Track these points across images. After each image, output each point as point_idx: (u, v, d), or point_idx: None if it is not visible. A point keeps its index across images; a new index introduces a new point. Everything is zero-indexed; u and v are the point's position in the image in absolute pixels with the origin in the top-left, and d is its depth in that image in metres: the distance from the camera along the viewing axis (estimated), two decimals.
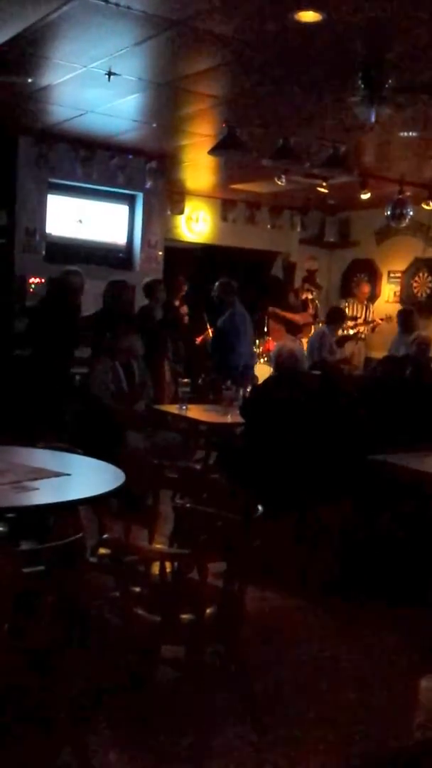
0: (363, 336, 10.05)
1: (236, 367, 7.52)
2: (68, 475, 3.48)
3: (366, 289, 10.36)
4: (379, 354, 9.34)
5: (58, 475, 3.41)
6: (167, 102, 6.24)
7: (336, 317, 8.98)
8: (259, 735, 3.04)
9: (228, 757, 2.88)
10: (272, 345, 8.48)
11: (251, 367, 7.99)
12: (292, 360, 4.99)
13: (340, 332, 9.79)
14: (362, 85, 4.86)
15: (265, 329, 9.78)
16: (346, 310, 10.09)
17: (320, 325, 9.49)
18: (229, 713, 3.14)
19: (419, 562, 4.41)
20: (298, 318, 9.53)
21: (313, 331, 9.53)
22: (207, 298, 8.58)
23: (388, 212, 8.15)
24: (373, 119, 4.96)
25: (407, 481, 4.46)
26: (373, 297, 11.06)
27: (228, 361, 7.60)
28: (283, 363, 5.02)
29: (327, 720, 3.19)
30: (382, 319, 9.99)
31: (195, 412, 6.10)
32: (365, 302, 10.24)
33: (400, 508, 4.60)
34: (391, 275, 11.01)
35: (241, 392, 6.27)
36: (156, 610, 3.22)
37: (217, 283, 7.91)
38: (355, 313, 10.12)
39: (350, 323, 9.97)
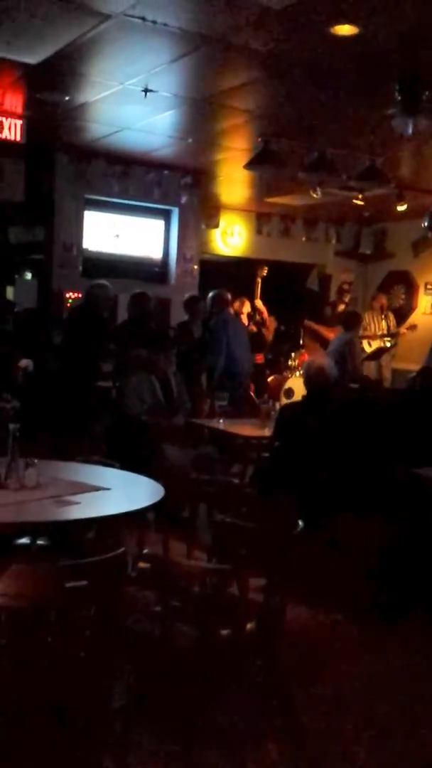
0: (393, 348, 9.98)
1: (227, 374, 7.36)
2: (108, 489, 3.50)
3: (383, 300, 10.25)
4: (404, 365, 9.26)
5: (97, 489, 3.43)
6: (202, 117, 6.28)
7: (355, 322, 8.86)
8: (302, 752, 3.00)
9: None
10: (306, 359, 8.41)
11: (241, 374, 7.70)
12: (321, 377, 4.96)
13: (376, 344, 9.74)
14: (399, 97, 4.84)
15: (301, 342, 9.75)
16: (375, 323, 9.98)
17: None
18: (269, 729, 3.11)
19: None
20: (330, 334, 9.47)
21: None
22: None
23: (425, 223, 8.10)
24: (410, 131, 4.93)
25: None
26: (409, 309, 10.97)
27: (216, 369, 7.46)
28: (311, 379, 5.00)
29: (366, 737, 3.15)
30: (408, 329, 9.91)
31: (232, 425, 6.09)
32: (386, 313, 10.13)
33: None
34: (428, 287, 10.92)
35: (277, 405, 6.25)
36: (196, 625, 3.21)
37: (210, 294, 7.79)
38: (382, 326, 10.02)
39: (386, 336, 9.88)
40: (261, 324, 9.15)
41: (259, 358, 8.96)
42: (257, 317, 9.17)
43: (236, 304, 8.83)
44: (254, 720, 3.14)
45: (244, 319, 8.92)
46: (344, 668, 3.74)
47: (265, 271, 9.37)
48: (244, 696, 3.19)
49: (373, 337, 9.79)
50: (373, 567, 4.39)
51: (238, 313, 8.62)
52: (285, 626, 3.59)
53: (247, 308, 9.05)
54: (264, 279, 9.47)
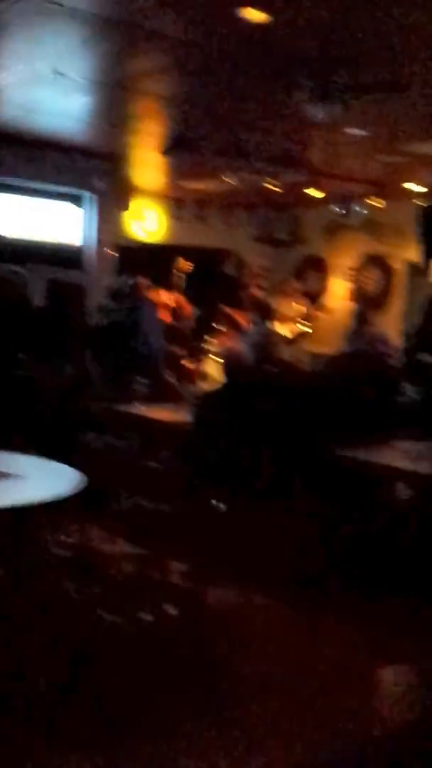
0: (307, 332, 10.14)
1: (143, 360, 7.32)
2: (22, 477, 3.44)
3: (296, 285, 10.41)
4: (320, 349, 9.43)
5: (12, 476, 3.38)
6: (115, 102, 6.21)
7: (267, 312, 8.99)
8: (228, 733, 3.03)
9: (195, 754, 2.87)
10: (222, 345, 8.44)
11: (156, 360, 7.65)
12: (238, 362, 5.02)
13: (293, 329, 9.87)
14: (310, 84, 4.89)
15: (217, 328, 9.78)
16: (290, 308, 10.11)
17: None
18: (196, 711, 3.14)
19: (381, 553, 4.47)
20: (246, 320, 9.55)
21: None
22: None
23: (337, 209, 8.25)
24: (321, 117, 5.00)
25: (365, 473, 4.52)
26: (322, 293, 11.16)
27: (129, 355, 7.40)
28: (228, 365, 5.06)
29: (294, 714, 3.20)
30: (323, 313, 10.08)
31: (151, 411, 6.09)
32: (299, 299, 10.28)
33: (361, 500, 4.66)
34: (342, 272, 11.13)
35: (195, 390, 6.27)
36: (117, 610, 3.22)
37: (124, 281, 7.72)
38: (294, 312, 10.16)
39: (300, 320, 10.02)
40: (182, 318, 9.14)
41: (183, 350, 8.95)
42: (178, 310, 9.15)
43: (157, 294, 8.80)
44: (179, 703, 3.16)
45: (166, 309, 8.88)
46: (269, 648, 3.79)
47: (188, 266, 9.34)
48: (168, 679, 3.22)
49: (288, 321, 9.91)
50: (296, 547, 4.48)
51: (153, 302, 8.56)
52: (208, 609, 3.64)
53: (168, 299, 9.01)
54: (182, 272, 9.44)
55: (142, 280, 8.09)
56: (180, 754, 2.87)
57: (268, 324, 8.77)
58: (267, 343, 8.19)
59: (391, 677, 3.79)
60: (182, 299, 9.12)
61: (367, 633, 4.00)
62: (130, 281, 7.50)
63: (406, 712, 3.35)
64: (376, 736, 3.12)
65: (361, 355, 6.23)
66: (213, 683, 3.36)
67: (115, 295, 7.69)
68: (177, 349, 8.79)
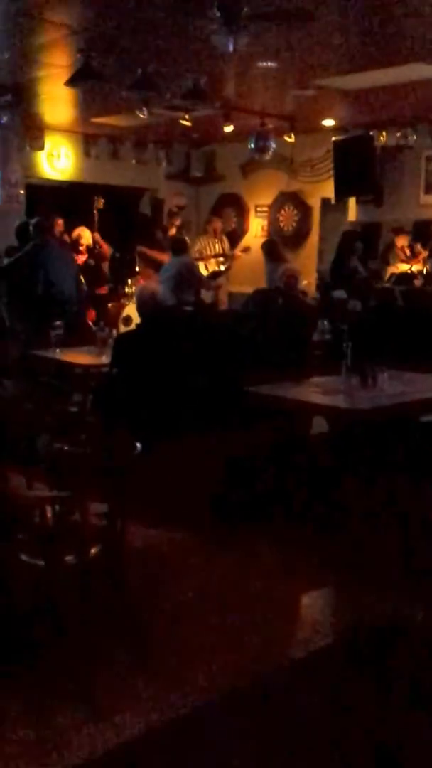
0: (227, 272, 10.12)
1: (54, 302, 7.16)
2: None
3: (217, 224, 10.34)
4: (239, 288, 9.46)
5: None
6: (17, 31, 5.92)
7: (182, 247, 8.88)
8: (148, 664, 3.10)
9: (118, 690, 2.92)
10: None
11: (68, 303, 7.46)
12: (153, 302, 4.98)
13: (211, 267, 9.83)
14: (218, 14, 4.77)
15: (136, 269, 9.67)
16: (210, 247, 10.05)
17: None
18: (118, 647, 3.19)
19: (294, 483, 4.59)
20: (163, 258, 9.44)
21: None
22: None
23: (252, 145, 8.18)
24: (231, 48, 4.90)
25: (281, 409, 4.60)
26: (240, 232, 11.13)
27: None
28: (144, 305, 5.01)
29: (213, 645, 3.28)
30: (242, 251, 10.07)
31: (69, 355, 6.01)
32: (220, 236, 10.24)
33: (274, 435, 4.75)
34: (258, 209, 11.09)
35: (114, 332, 6.21)
36: (39, 555, 3.21)
37: (31, 221, 7.47)
38: (217, 249, 10.11)
39: (220, 259, 9.98)
40: (99, 257, 8.94)
41: (103, 290, 8.78)
42: (96, 249, 8.94)
43: (75, 234, 8.57)
44: (103, 639, 3.21)
45: (82, 250, 8.66)
46: (188, 581, 3.87)
47: (102, 203, 9.10)
48: (91, 617, 3.26)
49: (208, 259, 9.87)
50: (210, 483, 4.56)
51: (64, 241, 8.34)
52: (130, 547, 3.68)
53: (86, 239, 8.77)
54: (100, 210, 9.22)
55: (53, 220, 7.85)
56: (106, 691, 2.92)
57: (188, 262, 8.69)
58: (183, 281, 8.17)
59: (304, 601, 3.93)
60: (99, 238, 8.93)
61: (283, 561, 4.13)
62: (33, 220, 7.26)
63: (319, 632, 3.49)
64: (294, 658, 3.25)
65: (277, 292, 6.28)
66: (134, 616, 3.43)
67: (18, 234, 7.45)
68: (97, 291, 8.65)
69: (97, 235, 8.87)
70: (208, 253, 9.97)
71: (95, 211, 8.91)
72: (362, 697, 2.92)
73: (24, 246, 7.29)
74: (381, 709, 2.88)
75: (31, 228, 7.24)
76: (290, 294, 6.42)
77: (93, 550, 3.37)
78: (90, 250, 8.72)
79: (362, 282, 8.01)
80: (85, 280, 7.96)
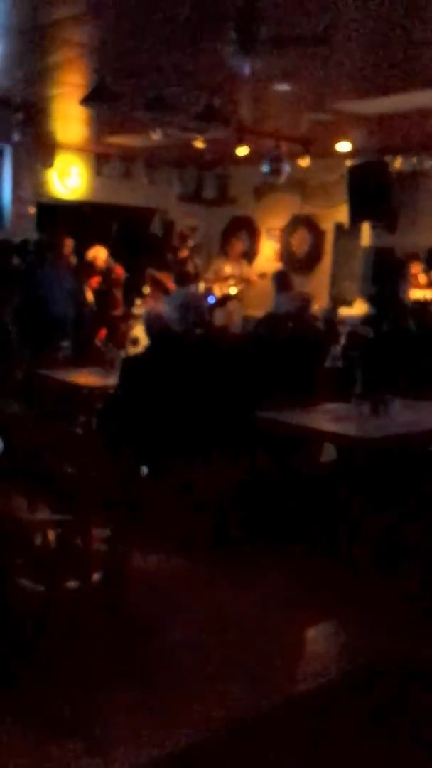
0: (239, 295, 10.07)
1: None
2: None
3: (238, 246, 10.33)
4: (255, 312, 9.39)
5: None
6: (33, 49, 5.92)
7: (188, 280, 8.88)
8: (149, 696, 3.01)
9: (119, 721, 2.84)
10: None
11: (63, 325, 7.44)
12: (160, 324, 4.93)
13: (222, 291, 9.79)
14: (235, 36, 4.76)
15: (145, 291, 9.64)
16: (226, 269, 10.04)
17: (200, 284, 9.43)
18: (118, 677, 3.10)
19: (302, 512, 4.51)
20: (170, 282, 9.42)
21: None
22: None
23: (265, 168, 8.16)
24: (246, 71, 4.88)
25: (290, 436, 4.52)
26: (252, 255, 11.10)
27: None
28: (150, 327, 4.96)
29: (217, 675, 3.20)
30: (258, 276, 10.02)
31: (75, 375, 5.95)
32: (239, 260, 10.22)
33: (282, 461, 4.67)
34: (270, 233, 11.07)
35: (121, 353, 6.15)
36: (40, 579, 3.14)
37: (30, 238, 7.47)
38: (233, 272, 10.08)
39: (231, 282, 9.95)
40: (113, 282, 8.89)
41: (118, 312, 8.73)
42: (112, 275, 8.90)
43: (90, 254, 8.54)
44: (105, 669, 3.12)
45: (93, 271, 8.62)
46: (193, 610, 3.79)
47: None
48: (93, 646, 3.19)
49: (217, 283, 9.83)
50: (217, 508, 4.47)
51: (66, 262, 8.28)
52: (131, 574, 3.60)
53: (102, 259, 8.70)
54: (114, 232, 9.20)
55: (62, 240, 7.83)
56: (103, 716, 2.84)
57: (196, 286, 8.66)
58: (193, 305, 8.11)
59: (309, 634, 3.83)
60: (111, 261, 8.90)
61: (288, 591, 4.04)
62: (35, 238, 7.28)
63: (323, 664, 3.39)
64: (297, 690, 3.15)
65: (287, 317, 6.21)
66: (134, 645, 3.34)
67: (19, 251, 7.46)
68: (109, 312, 8.60)
69: (110, 259, 8.84)
70: (217, 276, 9.93)
71: (112, 236, 8.87)
72: (363, 735, 2.83)
73: (22, 263, 7.31)
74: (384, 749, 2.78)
75: (31, 246, 7.27)
76: (301, 319, 6.35)
77: (95, 576, 3.30)
78: (104, 274, 8.65)
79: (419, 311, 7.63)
80: (98, 302, 7.93)
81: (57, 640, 3.14)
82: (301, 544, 4.41)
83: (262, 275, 9.95)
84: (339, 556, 4.28)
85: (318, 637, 3.82)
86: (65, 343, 6.27)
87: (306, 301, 6.74)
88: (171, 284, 9.16)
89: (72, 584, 3.28)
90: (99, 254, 8.44)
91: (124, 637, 3.38)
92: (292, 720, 3.00)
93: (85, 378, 5.92)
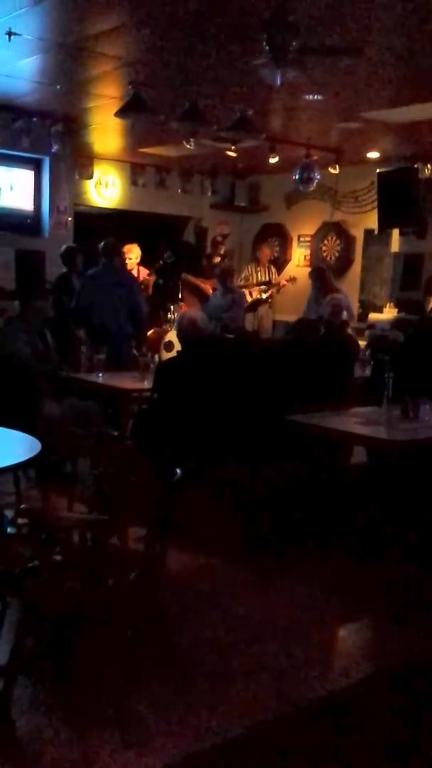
0: (270, 300, 10.16)
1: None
2: None
3: (267, 252, 10.42)
4: (284, 317, 9.47)
5: None
6: (70, 63, 6.09)
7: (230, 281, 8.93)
8: (184, 693, 3.09)
9: (152, 716, 2.92)
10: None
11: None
12: (193, 329, 5.01)
13: (254, 295, 9.88)
14: (267, 47, 4.84)
15: (179, 296, 9.77)
16: (256, 275, 10.13)
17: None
18: (155, 674, 3.19)
19: (333, 515, 4.56)
20: (207, 286, 9.53)
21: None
22: None
23: (296, 176, 8.24)
24: (278, 82, 4.97)
25: (322, 439, 4.58)
26: (283, 261, 11.19)
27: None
28: (183, 332, 5.05)
29: (249, 673, 3.27)
30: (288, 281, 10.10)
31: (111, 379, 6.07)
32: (267, 265, 10.30)
33: (316, 466, 4.73)
34: (301, 239, 11.15)
35: (156, 358, 6.26)
36: (77, 577, 3.23)
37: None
38: (262, 277, 10.18)
39: (263, 287, 10.04)
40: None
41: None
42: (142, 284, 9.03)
43: (125, 248, 8.68)
44: (140, 666, 3.19)
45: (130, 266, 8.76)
46: (226, 611, 3.85)
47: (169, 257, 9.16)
48: (129, 644, 3.26)
49: (252, 287, 9.93)
50: (251, 511, 4.54)
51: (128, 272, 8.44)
52: (168, 573, 3.67)
53: (135, 256, 8.82)
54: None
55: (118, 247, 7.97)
56: (140, 717, 2.91)
57: (229, 291, 8.75)
58: (227, 310, 8.23)
59: (341, 633, 3.89)
60: (145, 273, 9.05)
61: (320, 592, 4.09)
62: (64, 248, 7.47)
63: (355, 663, 3.44)
64: (328, 690, 3.21)
65: (320, 322, 6.28)
66: (170, 642, 3.42)
67: (64, 259, 7.64)
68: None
69: (144, 270, 8.97)
70: (253, 281, 10.03)
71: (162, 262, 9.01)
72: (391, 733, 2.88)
73: (70, 269, 7.46)
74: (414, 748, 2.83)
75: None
76: (333, 324, 6.42)
77: (131, 575, 3.38)
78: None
79: None
80: None
81: (94, 637, 3.22)
82: (332, 545, 4.46)
83: (292, 279, 10.03)
84: (369, 556, 4.32)
85: (350, 636, 3.88)
86: (101, 348, 6.39)
87: (340, 305, 6.80)
88: (206, 287, 9.29)
89: (108, 583, 3.35)
90: (134, 250, 8.62)
91: (159, 634, 3.45)
92: (325, 715, 3.06)
93: (121, 382, 6.03)
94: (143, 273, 9.00)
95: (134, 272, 8.64)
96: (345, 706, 3.14)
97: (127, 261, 8.65)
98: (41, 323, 6.36)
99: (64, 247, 7.86)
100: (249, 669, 3.31)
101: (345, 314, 8.08)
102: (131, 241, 8.69)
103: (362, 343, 7.11)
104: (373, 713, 3.08)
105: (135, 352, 6.92)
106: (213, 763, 2.72)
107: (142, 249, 8.69)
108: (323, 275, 8.66)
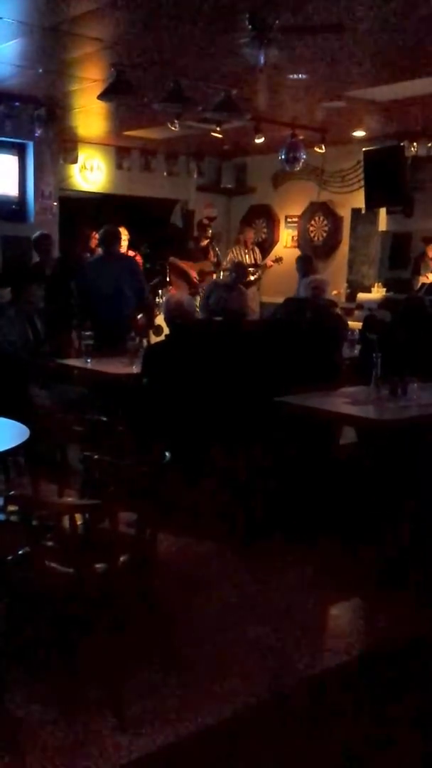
0: (257, 281, 10.14)
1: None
2: None
3: (251, 234, 10.39)
4: (271, 298, 9.46)
5: None
6: (52, 46, 6.02)
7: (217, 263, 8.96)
8: (177, 676, 3.12)
9: (147, 699, 2.95)
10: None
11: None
12: (180, 311, 5.00)
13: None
14: (249, 26, 4.81)
15: (167, 279, 9.74)
16: (243, 257, 10.10)
17: (223, 272, 9.48)
18: (147, 658, 3.21)
19: (324, 497, 4.58)
20: (193, 271, 9.51)
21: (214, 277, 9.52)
22: None
23: (282, 156, 8.20)
24: (262, 61, 4.93)
25: (310, 420, 4.59)
26: (271, 242, 11.16)
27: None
28: (170, 314, 5.04)
29: (242, 656, 3.30)
30: (274, 261, 10.07)
31: (99, 364, 6.05)
32: (252, 247, 10.27)
33: (304, 446, 4.74)
34: (288, 220, 11.12)
35: (144, 342, 6.25)
36: (68, 562, 3.23)
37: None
38: (249, 260, 10.14)
39: (251, 269, 10.01)
40: None
41: None
42: None
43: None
44: (133, 649, 3.21)
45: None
46: (218, 593, 3.88)
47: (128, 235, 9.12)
48: (120, 626, 3.27)
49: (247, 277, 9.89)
50: (241, 493, 4.56)
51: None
52: (159, 557, 3.69)
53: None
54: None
55: (87, 234, 7.97)
56: (133, 700, 2.93)
57: (216, 274, 8.74)
58: (214, 292, 8.20)
59: (333, 613, 3.92)
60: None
61: (311, 573, 4.13)
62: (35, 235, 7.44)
63: (347, 644, 3.47)
64: (321, 671, 3.24)
65: (306, 302, 6.27)
66: (162, 625, 3.43)
67: (35, 246, 7.64)
68: None
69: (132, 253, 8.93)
70: (242, 262, 9.99)
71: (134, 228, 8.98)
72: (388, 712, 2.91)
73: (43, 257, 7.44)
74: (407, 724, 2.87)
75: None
76: (318, 305, 6.42)
77: (122, 559, 3.39)
78: None
79: None
80: None
81: (85, 621, 3.23)
82: (323, 526, 4.48)
83: (278, 259, 10.01)
84: (359, 538, 4.35)
85: (341, 616, 3.91)
86: (89, 333, 6.35)
87: (320, 287, 6.79)
88: (193, 272, 9.26)
89: (100, 567, 3.36)
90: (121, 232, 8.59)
91: (151, 618, 3.46)
92: (318, 696, 3.09)
93: (110, 367, 6.01)
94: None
95: None
96: (338, 685, 3.17)
97: None
98: (32, 310, 6.34)
99: (36, 234, 7.80)
100: (242, 652, 3.34)
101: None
102: (118, 225, 8.64)
103: (352, 324, 7.13)
104: (366, 692, 3.11)
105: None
106: (207, 745, 2.75)
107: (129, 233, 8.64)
108: (307, 263, 8.70)
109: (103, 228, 7.06)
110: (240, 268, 8.76)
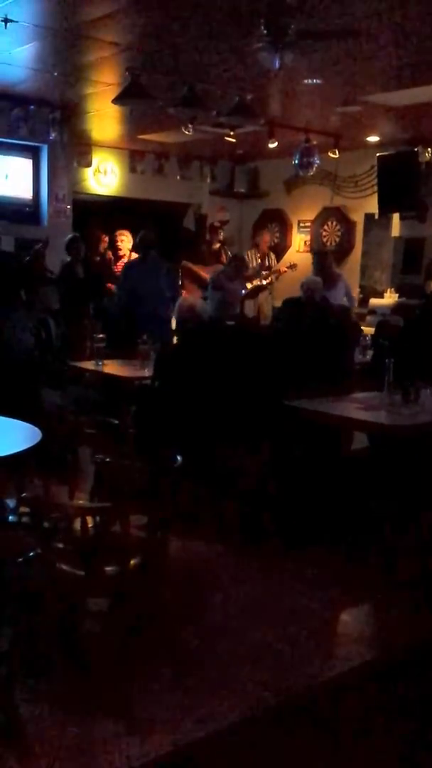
0: (270, 286, 10.12)
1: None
2: None
3: (267, 238, 10.38)
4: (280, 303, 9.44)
5: None
6: (67, 49, 6.05)
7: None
8: (185, 679, 3.11)
9: (156, 702, 2.93)
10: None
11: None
12: (192, 315, 5.01)
13: (255, 282, 9.85)
14: (265, 31, 4.81)
15: (180, 283, 9.75)
16: (256, 261, 10.09)
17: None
18: (156, 660, 3.21)
19: (331, 502, 4.56)
20: (205, 274, 9.51)
21: None
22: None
23: (296, 161, 8.20)
24: (277, 66, 4.93)
25: (322, 425, 4.58)
26: (283, 247, 11.14)
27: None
28: (182, 318, 5.05)
29: (251, 659, 3.29)
30: (288, 267, 10.05)
31: (111, 367, 6.06)
32: (267, 251, 10.26)
33: (312, 450, 4.72)
34: (301, 225, 11.11)
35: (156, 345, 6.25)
36: (79, 565, 3.24)
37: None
38: (261, 263, 10.14)
39: (264, 273, 10.01)
40: None
41: None
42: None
43: (117, 233, 8.82)
44: (144, 652, 3.21)
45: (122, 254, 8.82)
46: (227, 596, 3.87)
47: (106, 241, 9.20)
48: (130, 631, 3.27)
49: (253, 275, 9.89)
50: (251, 497, 4.55)
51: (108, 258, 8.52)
52: (169, 560, 3.69)
53: (126, 242, 8.87)
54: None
55: (98, 236, 8.02)
56: (141, 703, 2.93)
57: (229, 278, 8.72)
58: (226, 296, 8.21)
59: (342, 618, 3.90)
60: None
61: (321, 577, 4.11)
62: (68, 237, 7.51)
63: (356, 649, 3.46)
64: (329, 676, 3.23)
65: (306, 306, 6.25)
66: (172, 628, 3.44)
67: (68, 248, 7.71)
68: None
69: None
70: (253, 267, 9.99)
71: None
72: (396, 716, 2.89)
73: (73, 259, 7.51)
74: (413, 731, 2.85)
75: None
76: (314, 306, 6.39)
77: (132, 561, 3.39)
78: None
79: None
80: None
81: (96, 623, 3.23)
82: (331, 530, 4.47)
83: (292, 266, 9.99)
84: (370, 543, 4.33)
85: (350, 621, 3.90)
86: (101, 335, 6.38)
87: (311, 288, 6.78)
88: (205, 276, 9.26)
89: (111, 569, 3.36)
90: (126, 235, 8.76)
91: (161, 620, 3.47)
92: (327, 700, 3.08)
93: (122, 369, 6.02)
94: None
95: (126, 259, 8.68)
96: (346, 691, 3.16)
97: (119, 246, 8.72)
98: (44, 311, 6.37)
99: (69, 235, 7.90)
100: (250, 655, 3.32)
101: (345, 299, 8.09)
102: (125, 228, 8.73)
103: (364, 329, 7.11)
104: (375, 698, 3.09)
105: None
106: (214, 748, 2.74)
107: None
108: (322, 261, 8.64)
109: (140, 232, 7.39)
110: (239, 260, 8.77)
